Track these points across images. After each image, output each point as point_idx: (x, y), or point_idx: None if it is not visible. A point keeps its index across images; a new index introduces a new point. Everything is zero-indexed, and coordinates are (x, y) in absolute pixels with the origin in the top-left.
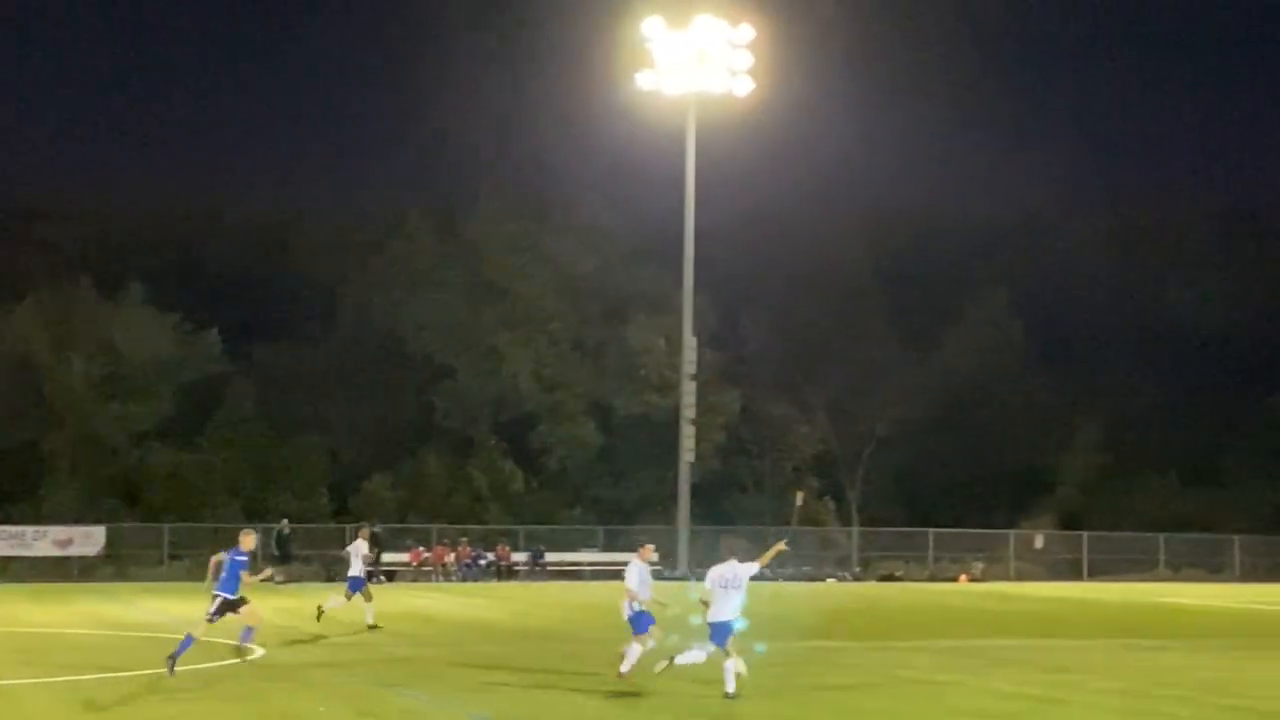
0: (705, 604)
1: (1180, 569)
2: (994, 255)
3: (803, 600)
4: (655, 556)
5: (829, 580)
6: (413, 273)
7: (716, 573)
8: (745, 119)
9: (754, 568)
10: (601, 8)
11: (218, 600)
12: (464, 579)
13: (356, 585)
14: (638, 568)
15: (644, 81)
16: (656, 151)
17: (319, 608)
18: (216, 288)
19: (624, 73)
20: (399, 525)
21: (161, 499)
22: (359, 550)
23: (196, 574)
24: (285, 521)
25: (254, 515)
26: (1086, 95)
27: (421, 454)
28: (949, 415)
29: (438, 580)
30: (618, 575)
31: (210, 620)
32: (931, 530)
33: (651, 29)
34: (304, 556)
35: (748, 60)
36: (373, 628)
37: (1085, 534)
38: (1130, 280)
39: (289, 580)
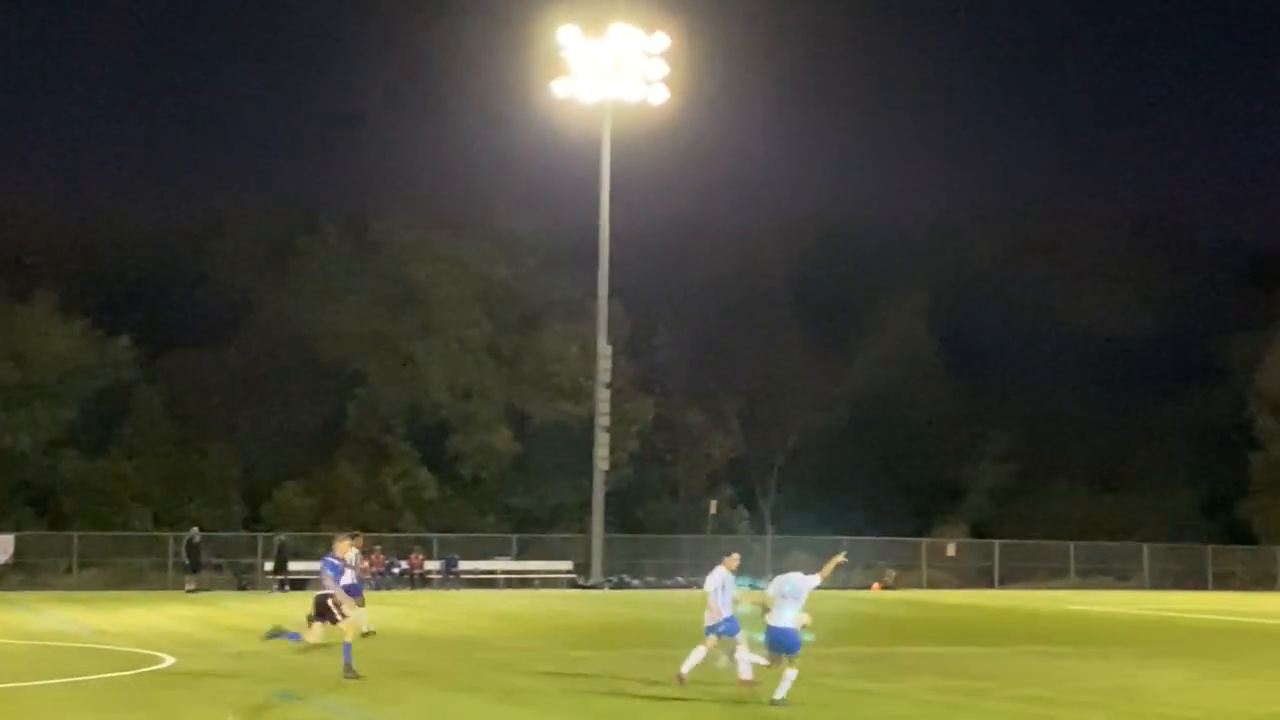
0: (766, 609)
1: (1090, 576)
2: (906, 263)
3: None
4: (737, 564)
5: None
6: (325, 279)
7: (781, 581)
8: (660, 127)
9: (816, 580)
10: (517, 15)
11: (338, 604)
12: (377, 587)
13: (351, 593)
14: (720, 575)
15: (559, 89)
16: (572, 159)
17: (308, 617)
18: (127, 294)
19: (539, 80)
20: (311, 534)
21: (71, 507)
22: (350, 559)
23: (107, 582)
24: (195, 530)
25: (165, 523)
26: (995, 104)
27: (334, 462)
28: (862, 423)
29: None
30: (531, 583)
31: (343, 618)
32: (844, 538)
33: (567, 37)
34: (215, 565)
35: (663, 69)
36: (367, 633)
37: (996, 542)
38: (1039, 289)
39: (199, 589)
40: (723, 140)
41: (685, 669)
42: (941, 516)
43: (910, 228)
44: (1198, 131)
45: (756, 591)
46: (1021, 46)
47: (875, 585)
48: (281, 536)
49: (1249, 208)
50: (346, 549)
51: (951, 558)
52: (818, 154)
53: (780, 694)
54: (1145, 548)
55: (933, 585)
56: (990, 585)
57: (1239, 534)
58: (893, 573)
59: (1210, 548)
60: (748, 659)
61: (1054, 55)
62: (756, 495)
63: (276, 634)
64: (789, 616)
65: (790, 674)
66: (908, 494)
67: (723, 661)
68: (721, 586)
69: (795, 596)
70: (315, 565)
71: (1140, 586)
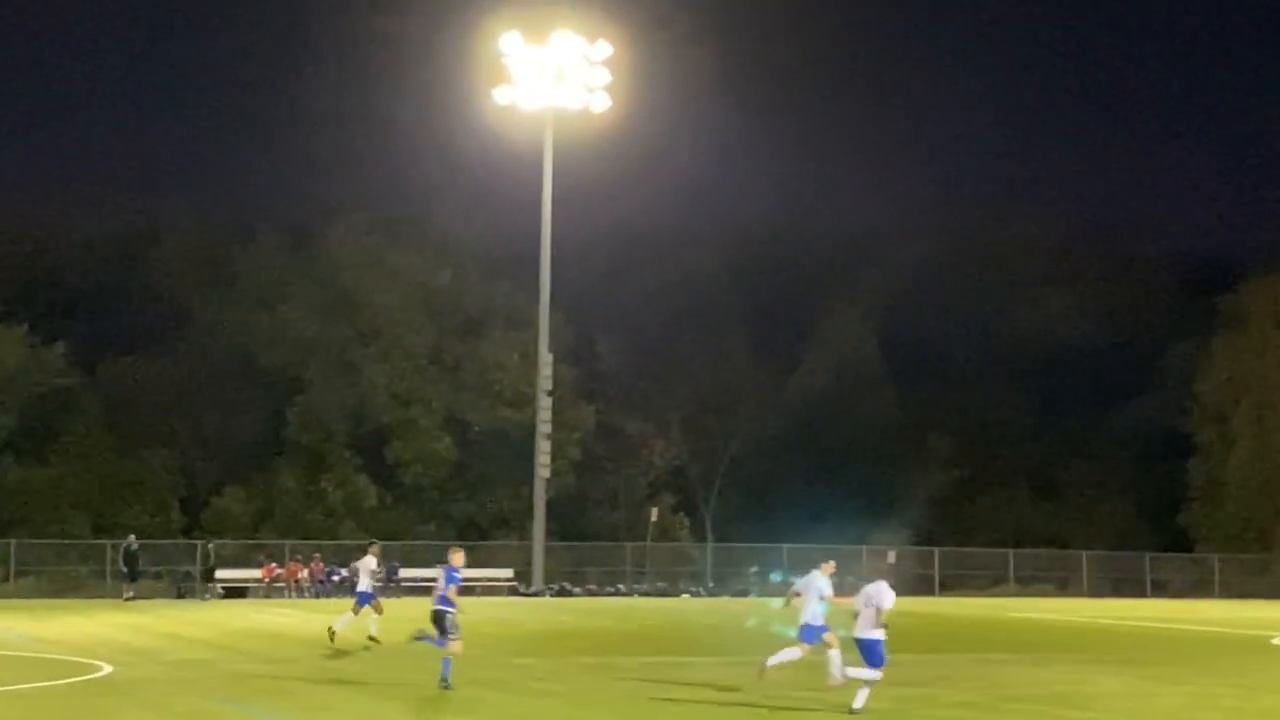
0: (854, 615)
1: (1029, 584)
2: (848, 272)
3: (656, 615)
4: (833, 569)
5: (683, 595)
6: (264, 286)
7: (869, 590)
8: (603, 135)
9: (893, 595)
10: (459, 23)
11: (447, 616)
12: (317, 595)
13: (364, 600)
14: (814, 580)
15: (501, 96)
16: (514, 166)
17: (330, 629)
18: (65, 301)
19: (481, 87)
20: (251, 541)
21: (7, 514)
22: (367, 566)
23: (45, 590)
24: (133, 538)
25: (103, 531)
26: (936, 113)
27: (274, 469)
28: (803, 431)
29: (290, 597)
30: (472, 591)
31: (454, 638)
32: (785, 545)
33: (509, 44)
34: (153, 573)
35: (605, 77)
36: (372, 639)
37: (937, 549)
38: (980, 297)
39: (138, 596)
40: (665, 148)
41: (771, 661)
42: (882, 524)
43: (852, 236)
44: (1138, 141)
45: (845, 600)
46: (963, 56)
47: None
48: (210, 544)
49: (1188, 217)
50: (461, 558)
51: (892, 564)
52: (760, 162)
53: (858, 704)
54: (1084, 555)
55: None
56: (931, 592)
57: (1177, 541)
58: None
59: (1148, 555)
60: (839, 662)
61: (994, 65)
62: (698, 503)
63: (421, 637)
64: (869, 627)
65: (866, 684)
66: (848, 501)
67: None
68: (815, 591)
69: (873, 606)
70: (255, 572)
71: (1079, 594)
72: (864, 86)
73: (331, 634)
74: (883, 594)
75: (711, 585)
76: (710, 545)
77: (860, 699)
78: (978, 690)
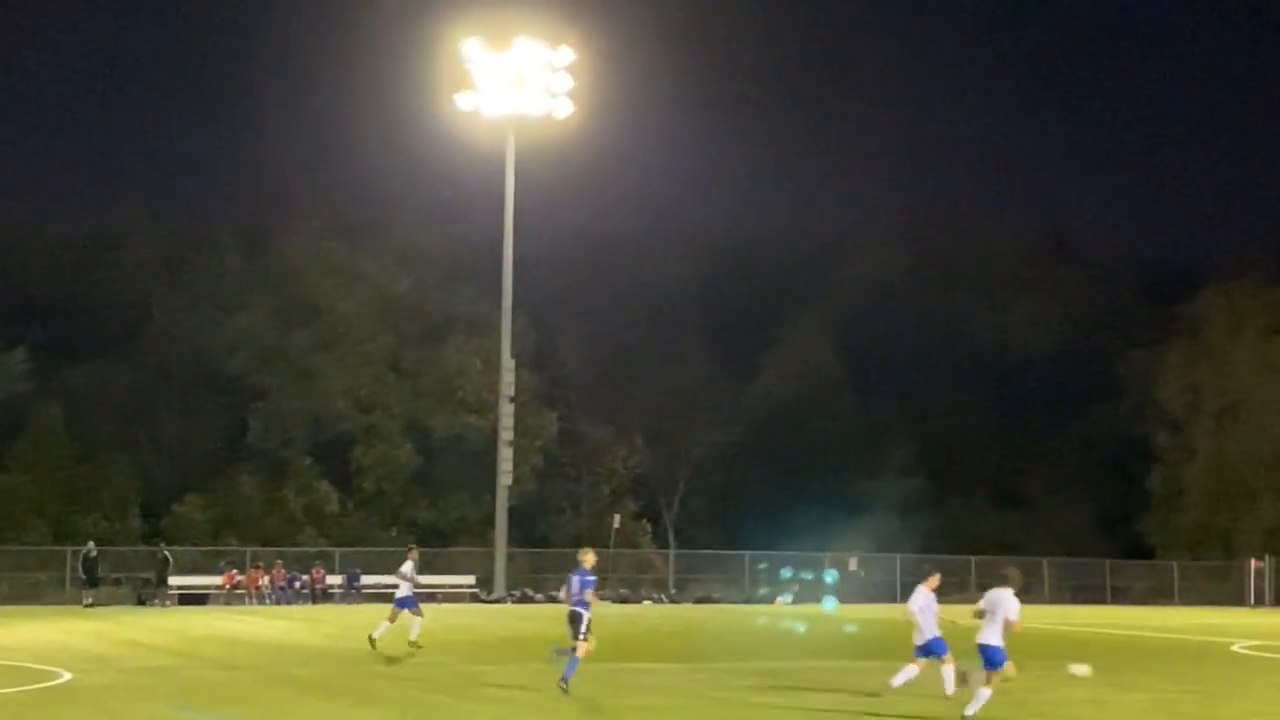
0: (978, 617)
1: (990, 590)
2: (809, 279)
3: (619, 622)
4: (938, 584)
5: (645, 602)
6: (223, 292)
7: (993, 596)
8: (565, 141)
9: (1017, 604)
10: (421, 29)
11: (583, 617)
12: (278, 602)
13: (404, 604)
14: (922, 595)
15: (463, 103)
16: (476, 173)
17: (370, 638)
18: (23, 307)
19: (443, 93)
20: (211, 548)
21: None
22: (405, 572)
23: (3, 597)
24: (92, 544)
25: (63, 538)
26: (896, 122)
27: (235, 475)
28: (765, 438)
29: (251, 603)
30: (433, 598)
31: (585, 639)
32: (747, 552)
33: (471, 50)
34: (113, 579)
35: (567, 83)
36: (414, 644)
37: (898, 556)
38: (941, 305)
39: (97, 603)
40: (627, 155)
41: (896, 681)
42: (844, 531)
43: (815, 243)
44: (1097, 150)
45: (970, 607)
46: (922, 66)
47: (778, 600)
48: (163, 550)
49: (1147, 226)
50: (592, 559)
51: (854, 572)
52: (724, 169)
53: (972, 710)
54: (1045, 562)
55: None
56: (893, 599)
57: (1137, 548)
58: (795, 587)
59: (1108, 562)
60: (953, 675)
61: (955, 74)
62: (660, 509)
63: (562, 652)
64: (995, 633)
65: (984, 692)
66: (810, 508)
67: (975, 679)
68: (925, 606)
69: (996, 613)
70: (216, 579)
71: (1039, 600)
72: (827, 96)
73: (372, 642)
74: (1008, 602)
75: (673, 592)
76: (672, 552)
77: (974, 706)
78: (939, 697)
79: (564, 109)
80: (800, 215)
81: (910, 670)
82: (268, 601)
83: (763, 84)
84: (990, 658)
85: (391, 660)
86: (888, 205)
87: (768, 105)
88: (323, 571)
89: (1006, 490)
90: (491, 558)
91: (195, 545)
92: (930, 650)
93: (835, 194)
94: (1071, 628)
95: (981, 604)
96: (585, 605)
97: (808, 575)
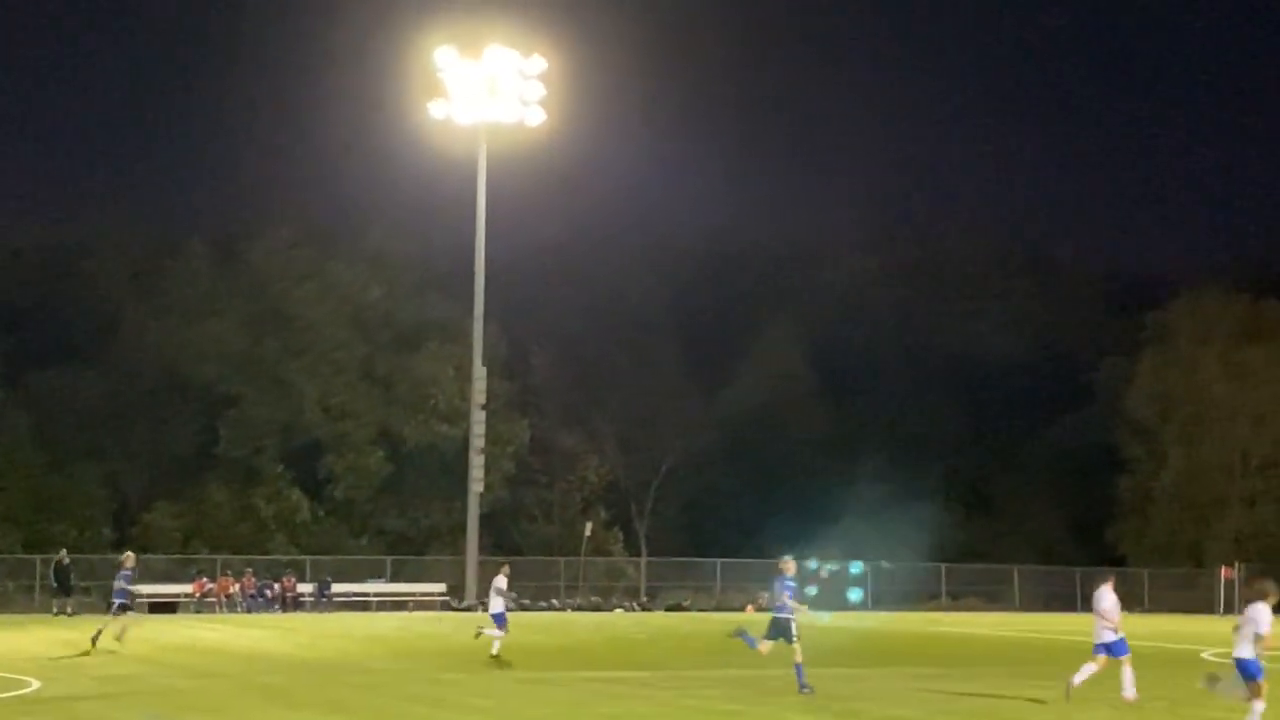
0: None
1: (961, 598)
2: (782, 287)
3: (590, 630)
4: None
5: (617, 610)
6: (193, 299)
7: (1250, 612)
8: (537, 149)
9: (1270, 617)
10: (394, 36)
11: (786, 620)
12: (249, 610)
13: (500, 620)
14: (1109, 595)
15: (436, 110)
16: (448, 180)
17: (492, 656)
18: None
19: (416, 101)
20: (181, 556)
21: None
22: (498, 586)
23: None
24: (64, 552)
25: (34, 546)
26: (866, 130)
27: (205, 483)
28: (736, 446)
29: (222, 611)
30: (405, 606)
31: (796, 641)
32: (719, 560)
33: (444, 58)
34: (84, 587)
35: (540, 91)
36: (496, 659)
37: (868, 564)
38: (910, 313)
39: (69, 612)
40: (600, 163)
41: (1076, 680)
42: (814, 538)
43: (785, 251)
44: (1068, 159)
45: (1233, 619)
46: (894, 76)
47: (749, 607)
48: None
49: (1118, 234)
50: (793, 567)
51: (825, 579)
52: (694, 177)
53: None
54: (1015, 569)
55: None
56: (864, 606)
57: (1107, 556)
58: (765, 594)
59: (1079, 570)
60: (1131, 678)
61: (926, 84)
62: (631, 517)
63: (740, 634)
64: (1248, 648)
65: (1258, 706)
66: (780, 515)
67: (1221, 684)
68: (1112, 605)
69: (1251, 628)
70: (186, 588)
71: (1010, 608)
72: (799, 103)
73: (494, 659)
74: (1260, 616)
75: (645, 600)
76: (644, 559)
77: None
78: (908, 704)
79: (536, 117)
80: (772, 222)
81: (1089, 668)
82: (239, 609)
83: (735, 91)
84: (1245, 670)
85: (368, 671)
86: (860, 213)
87: (740, 113)
88: (293, 579)
89: (977, 498)
90: (463, 565)
91: (166, 554)
92: (1112, 649)
93: (807, 201)
94: (1042, 634)
95: (1242, 619)
96: (789, 611)
97: (833, 567)
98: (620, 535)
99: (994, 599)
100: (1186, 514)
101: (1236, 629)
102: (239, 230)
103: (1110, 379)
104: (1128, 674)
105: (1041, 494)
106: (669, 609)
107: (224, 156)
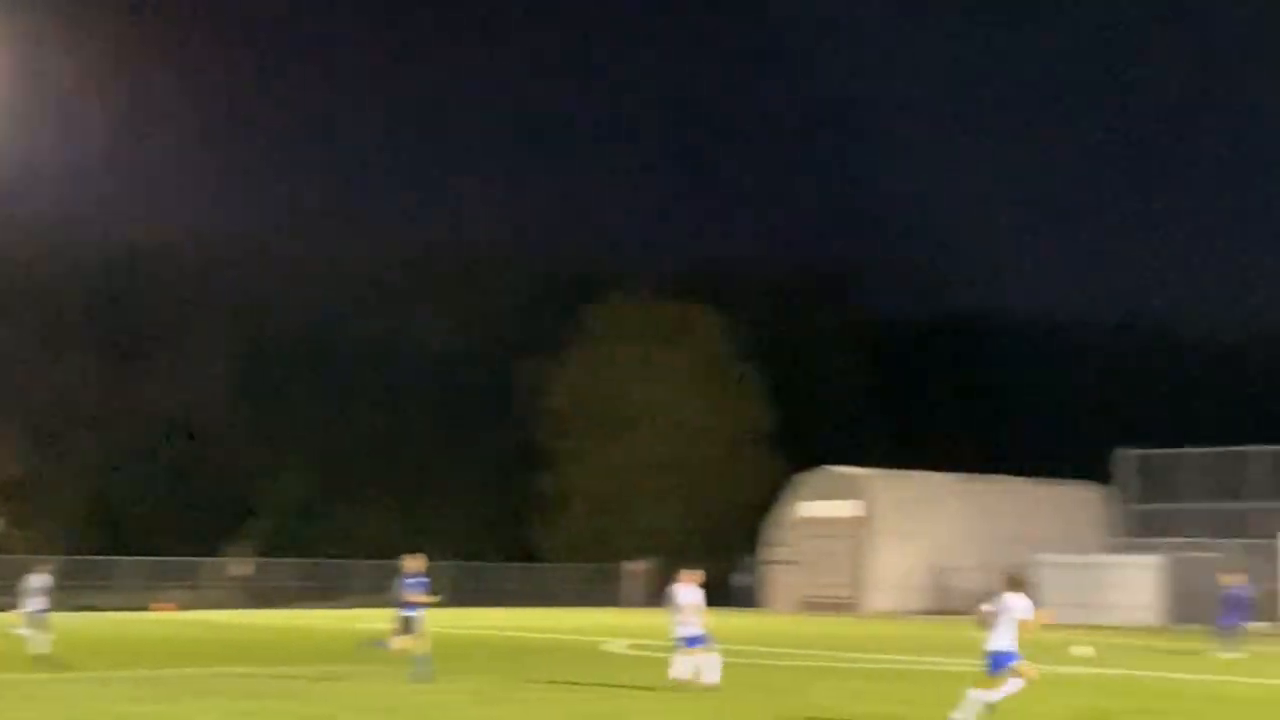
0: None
1: (374, 594)
2: (209, 284)
3: None
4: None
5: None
6: None
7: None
8: None
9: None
10: None
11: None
12: None
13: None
14: (687, 590)
15: None
16: None
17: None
18: None
19: None
20: None
21: None
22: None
23: None
24: None
25: None
26: (303, 128)
27: None
28: (153, 442)
29: None
30: None
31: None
32: (129, 558)
33: None
34: None
35: None
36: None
37: (287, 560)
38: (334, 306)
39: None
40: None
41: (679, 674)
42: (234, 535)
43: (217, 248)
44: (510, 152)
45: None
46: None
47: (160, 605)
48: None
49: (547, 227)
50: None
51: (242, 577)
52: (119, 172)
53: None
54: (437, 565)
55: (222, 605)
56: (287, 605)
57: (527, 552)
58: (180, 593)
59: (500, 566)
60: (704, 665)
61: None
62: (40, 513)
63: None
64: (1005, 639)
65: (1010, 687)
66: (199, 512)
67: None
68: (691, 601)
69: (1014, 614)
70: None
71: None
72: (235, 96)
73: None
74: (1017, 605)
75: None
76: (56, 557)
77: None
78: (315, 703)
79: None
80: (207, 217)
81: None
82: None
83: (177, 82)
84: (999, 663)
85: None
86: (274, 206)
87: (183, 105)
88: None
89: (406, 493)
90: None
91: None
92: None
93: (230, 200)
94: (463, 631)
95: (987, 606)
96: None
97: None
98: (22, 532)
99: (437, 592)
100: (601, 511)
101: (983, 622)
102: None
103: (533, 378)
104: (706, 661)
105: (464, 491)
106: (78, 609)
107: None
